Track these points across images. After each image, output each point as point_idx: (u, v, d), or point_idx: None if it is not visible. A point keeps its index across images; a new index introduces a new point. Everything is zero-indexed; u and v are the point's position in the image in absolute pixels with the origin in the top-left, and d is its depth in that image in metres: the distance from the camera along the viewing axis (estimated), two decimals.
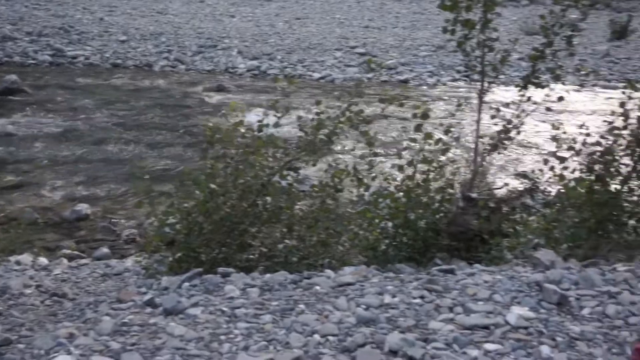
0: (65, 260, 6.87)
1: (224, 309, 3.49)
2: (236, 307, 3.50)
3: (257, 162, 4.99)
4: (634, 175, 5.63)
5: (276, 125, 5.03)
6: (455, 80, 15.79)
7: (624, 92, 5.36)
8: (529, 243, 5.46)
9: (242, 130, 5.13)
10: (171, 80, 16.53)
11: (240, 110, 5.26)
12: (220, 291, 3.87)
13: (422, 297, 3.55)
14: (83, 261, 6.90)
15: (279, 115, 5.05)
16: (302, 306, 3.49)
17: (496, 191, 5.93)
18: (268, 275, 4.17)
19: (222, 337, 3.15)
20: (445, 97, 14.18)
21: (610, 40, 20.84)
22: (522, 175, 6.25)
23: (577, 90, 15.00)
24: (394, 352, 2.92)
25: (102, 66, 17.75)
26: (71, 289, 5.50)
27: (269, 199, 5.06)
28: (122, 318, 3.50)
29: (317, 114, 5.19)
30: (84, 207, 8.62)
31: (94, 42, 19.47)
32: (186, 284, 4.06)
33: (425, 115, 5.27)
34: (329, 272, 4.25)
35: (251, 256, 5.14)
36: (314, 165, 5.16)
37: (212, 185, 4.87)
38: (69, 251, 7.40)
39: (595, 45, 19.87)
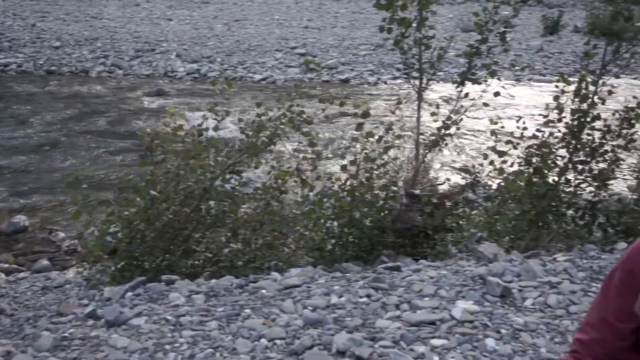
0: (2, 275, 6.65)
1: (169, 317, 3.42)
2: (181, 315, 3.43)
3: (198, 167, 4.92)
4: (570, 166, 5.78)
5: (216, 128, 4.98)
6: (395, 78, 15.94)
7: (557, 86, 5.49)
8: (473, 237, 5.54)
9: (182, 134, 5.06)
10: (109, 85, 16.19)
11: (179, 115, 5.18)
12: (165, 299, 3.79)
13: (368, 296, 3.55)
14: (22, 275, 6.69)
15: (218, 118, 5.00)
16: (248, 311, 3.45)
17: (439, 187, 6.01)
18: (214, 281, 4.12)
19: (167, 347, 3.08)
20: (386, 95, 14.31)
21: (543, 36, 21.39)
22: (464, 170, 6.34)
23: (514, 85, 15.33)
24: (341, 353, 2.91)
25: (36, 73, 17.26)
26: (9, 304, 5.31)
27: (212, 203, 5.00)
28: (62, 332, 3.39)
29: (258, 115, 5.15)
30: (21, 219, 8.34)
31: (27, 49, 18.91)
32: (129, 294, 3.97)
33: (366, 114, 5.29)
34: (275, 274, 4.23)
35: (196, 262, 5.07)
36: (256, 167, 5.12)
37: (153, 192, 4.78)
38: (6, 265, 7.16)
39: (530, 41, 20.34)
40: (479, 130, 10.05)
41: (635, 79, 15.87)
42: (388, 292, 3.60)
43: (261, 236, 5.12)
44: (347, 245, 5.47)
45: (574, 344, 1.62)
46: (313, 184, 5.49)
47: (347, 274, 4.17)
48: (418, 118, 5.48)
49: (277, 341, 3.06)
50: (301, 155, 6.02)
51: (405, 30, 5.20)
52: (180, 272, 4.69)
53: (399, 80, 15.60)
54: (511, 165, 5.62)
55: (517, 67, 15.10)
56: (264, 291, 3.75)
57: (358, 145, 5.41)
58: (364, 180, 5.43)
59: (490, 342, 3.03)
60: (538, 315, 3.37)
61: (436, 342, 3.03)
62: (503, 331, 3.16)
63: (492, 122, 5.62)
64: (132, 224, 4.86)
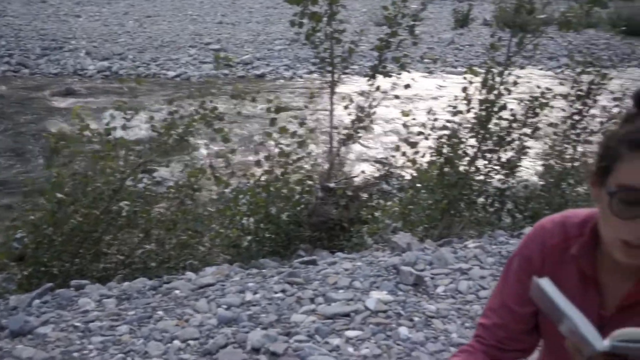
0: None
1: (77, 324, 3.30)
2: (90, 321, 3.32)
3: (107, 167, 4.77)
4: (480, 155, 5.94)
5: (124, 127, 4.84)
6: (311, 72, 15.95)
7: (465, 78, 5.63)
8: (388, 228, 5.62)
9: (89, 134, 4.90)
10: (14, 85, 15.51)
11: (86, 115, 5.01)
12: (74, 305, 3.66)
13: (283, 291, 3.53)
14: None
15: (127, 117, 4.86)
16: (161, 312, 3.37)
17: (354, 179, 6.06)
18: (126, 284, 4.01)
19: (75, 355, 2.98)
20: (302, 90, 14.31)
21: (454, 29, 21.89)
22: (379, 162, 6.42)
23: (426, 77, 15.66)
24: (256, 350, 2.89)
25: None
26: None
27: (123, 204, 4.86)
28: None
29: (170, 113, 5.05)
30: None
31: None
32: (36, 302, 3.81)
33: (279, 109, 5.27)
34: (189, 274, 4.15)
35: (108, 265, 4.92)
36: (167, 166, 5.02)
37: (60, 195, 4.61)
38: None
39: (441, 34, 20.77)
40: (393, 123, 10.20)
41: (541, 69, 16.48)
42: (303, 286, 3.60)
43: (175, 236, 5.02)
44: (264, 241, 5.44)
45: (477, 329, 1.65)
46: (228, 180, 5.42)
47: (263, 270, 4.15)
48: (331, 112, 5.50)
49: (191, 342, 3.01)
50: (214, 152, 5.93)
51: (316, 24, 5.20)
52: (91, 276, 4.54)
53: (315, 75, 15.63)
54: (423, 156, 5.73)
55: (426, 60, 15.41)
56: (177, 292, 3.68)
57: (272, 141, 5.38)
58: (279, 175, 5.42)
59: (403, 331, 3.08)
60: (449, 302, 3.45)
61: (351, 333, 3.05)
62: (416, 319, 3.21)
63: (404, 114, 5.70)
64: (39, 228, 4.67)
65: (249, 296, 3.47)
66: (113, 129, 4.83)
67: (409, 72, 5.63)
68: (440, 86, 15.01)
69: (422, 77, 15.32)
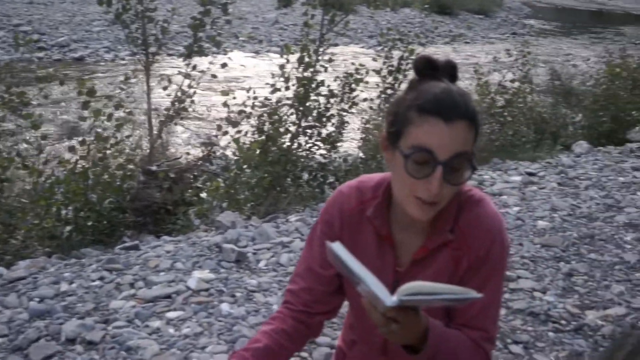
0: None
1: None
2: None
3: None
4: (301, 131, 6.09)
5: None
6: (134, 54, 15.46)
7: (282, 56, 5.73)
8: (214, 208, 5.62)
9: None
10: None
11: None
12: None
13: (101, 279, 3.43)
14: None
15: None
16: None
17: (177, 161, 5.98)
18: None
19: None
20: (123, 72, 13.82)
21: (277, 8, 22.12)
22: (203, 143, 6.38)
23: (254, 57, 15.70)
24: (71, 340, 2.79)
25: None
26: None
27: None
28: None
29: None
30: None
31: None
32: None
33: (92, 92, 5.06)
34: (1, 269, 3.90)
35: None
36: None
37: None
38: None
39: (265, 14, 20.91)
40: (216, 103, 10.14)
41: (362, 47, 17.11)
42: (123, 272, 3.52)
43: None
44: (86, 230, 5.23)
45: (285, 295, 1.70)
46: (42, 169, 5.14)
47: (82, 260, 4.00)
48: (148, 93, 5.39)
49: (0, 339, 2.84)
50: (24, 140, 5.58)
51: (126, 3, 5.05)
52: None
53: (138, 57, 15.15)
54: (245, 134, 5.77)
55: (241, 38, 15.41)
56: None
57: (87, 125, 5.16)
58: (97, 160, 5.22)
59: (224, 307, 3.11)
60: (271, 275, 3.53)
61: (172, 314, 3.04)
62: (237, 294, 3.26)
63: (223, 93, 5.70)
64: None
65: (64, 287, 3.33)
66: None
67: (225, 52, 5.63)
68: (265, 66, 15.11)
69: (249, 58, 15.36)
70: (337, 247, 1.28)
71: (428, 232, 1.51)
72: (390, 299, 1.23)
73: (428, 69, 1.42)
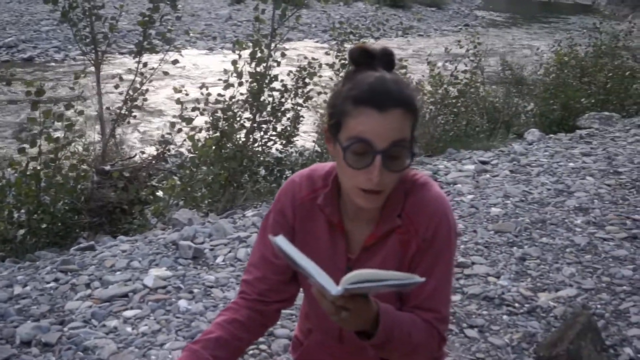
0: None
1: None
2: None
3: None
4: (256, 127, 6.08)
5: None
6: (84, 54, 15.20)
7: (234, 51, 5.71)
8: (171, 206, 5.58)
9: None
10: None
11: None
12: None
13: (56, 280, 3.39)
14: None
15: None
16: None
17: (131, 160, 5.92)
18: None
19: None
20: (74, 73, 13.58)
21: (231, 5, 22.01)
22: (158, 142, 6.32)
23: (207, 55, 15.60)
24: (27, 343, 2.75)
25: None
26: None
27: None
28: None
29: None
30: None
31: None
32: None
33: (40, 92, 4.97)
34: None
35: None
36: None
37: None
38: None
39: (218, 10, 20.78)
40: (169, 101, 10.04)
41: (317, 42, 17.14)
42: (78, 273, 3.47)
43: None
44: (40, 233, 5.15)
45: (240, 285, 1.70)
46: None
47: (36, 262, 3.94)
48: (99, 92, 5.32)
49: None
50: None
51: (73, 0, 4.97)
52: None
53: (90, 56, 14.89)
54: (200, 131, 5.74)
55: (193, 35, 15.29)
56: None
57: (37, 126, 5.06)
58: (49, 162, 5.13)
59: (182, 303, 3.10)
60: (229, 270, 3.53)
61: (129, 313, 3.01)
62: (195, 290, 3.25)
63: (176, 90, 5.65)
64: None
65: (17, 289, 3.28)
66: None
67: (178, 49, 5.59)
68: (219, 62, 15.02)
69: (202, 55, 15.25)
70: (281, 241, 1.30)
71: (377, 219, 1.54)
72: (335, 288, 1.25)
73: (364, 58, 1.44)
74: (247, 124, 6.04)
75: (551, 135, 7.14)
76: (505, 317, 3.05)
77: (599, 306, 3.13)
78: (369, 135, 1.36)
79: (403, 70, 7.46)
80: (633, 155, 5.76)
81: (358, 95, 1.38)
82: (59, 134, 5.16)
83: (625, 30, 10.50)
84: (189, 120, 5.55)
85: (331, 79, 6.81)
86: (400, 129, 1.38)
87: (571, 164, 5.56)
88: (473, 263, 3.60)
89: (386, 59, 1.45)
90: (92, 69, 5.36)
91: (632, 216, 4.27)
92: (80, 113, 5.18)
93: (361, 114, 1.37)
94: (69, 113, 5.13)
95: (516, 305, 3.15)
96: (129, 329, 2.88)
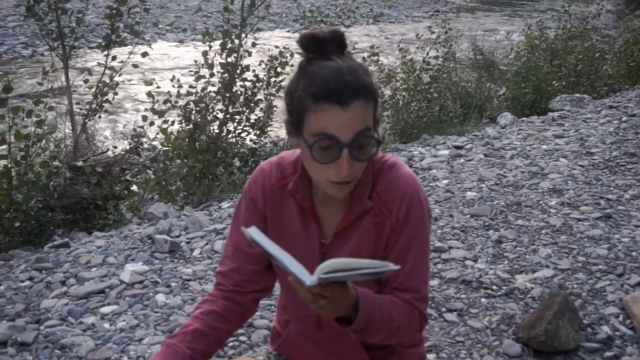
0: None
1: None
2: None
3: None
4: (229, 118, 6.04)
5: None
6: (53, 49, 14.97)
7: (204, 42, 5.65)
8: (145, 200, 5.53)
9: None
10: None
11: None
12: None
13: (31, 279, 3.34)
14: None
15: None
16: None
17: (104, 155, 5.85)
18: None
19: None
20: (42, 68, 13.38)
21: None
22: (130, 136, 6.26)
23: (178, 47, 15.44)
24: (3, 343, 2.71)
25: None
26: None
27: None
28: None
29: None
30: None
31: None
32: None
33: (8, 89, 4.88)
34: None
35: None
36: None
37: None
38: None
39: (187, 2, 20.57)
40: (141, 94, 9.94)
41: (288, 31, 17.06)
42: (53, 271, 3.43)
43: None
44: (13, 232, 5.07)
45: (216, 277, 1.69)
46: None
47: (10, 261, 3.88)
48: (68, 87, 5.24)
49: None
50: None
51: None
52: None
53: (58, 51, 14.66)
54: (173, 124, 5.69)
55: (161, 27, 15.12)
56: None
57: (5, 123, 4.98)
58: (18, 159, 5.05)
59: (160, 298, 3.07)
60: (206, 263, 3.50)
61: (106, 309, 2.98)
62: (173, 284, 3.22)
63: (147, 83, 5.59)
64: None
65: None
66: None
67: (147, 42, 5.52)
68: (190, 54, 14.89)
69: (172, 47, 15.09)
70: (254, 232, 1.28)
71: (348, 203, 1.53)
72: (309, 278, 1.24)
73: (315, 45, 1.41)
74: (220, 116, 6.00)
75: (524, 119, 7.19)
76: (483, 299, 3.07)
77: (575, 286, 3.16)
78: (333, 131, 1.35)
79: (375, 58, 7.46)
80: (605, 136, 5.83)
81: (317, 92, 1.35)
82: (28, 131, 5.08)
83: (594, 13, 10.60)
84: (161, 113, 5.50)
85: None
86: (363, 118, 1.37)
87: (544, 146, 5.61)
88: (450, 247, 3.62)
89: (337, 40, 1.42)
90: (61, 64, 5.26)
91: (606, 196, 4.33)
92: (50, 109, 5.10)
93: (322, 110, 1.35)
94: (39, 109, 5.05)
95: (494, 287, 3.17)
96: (106, 325, 2.85)
